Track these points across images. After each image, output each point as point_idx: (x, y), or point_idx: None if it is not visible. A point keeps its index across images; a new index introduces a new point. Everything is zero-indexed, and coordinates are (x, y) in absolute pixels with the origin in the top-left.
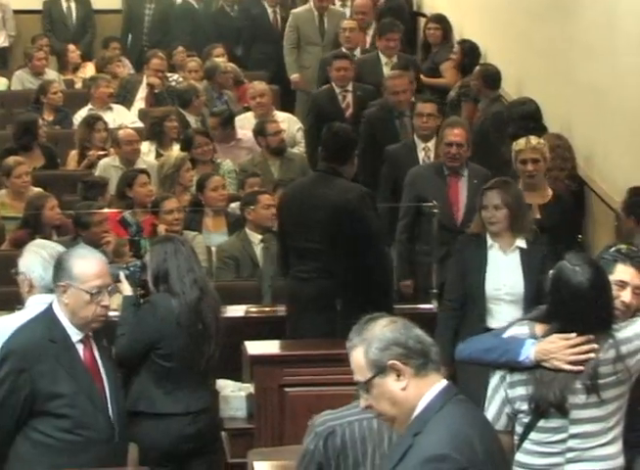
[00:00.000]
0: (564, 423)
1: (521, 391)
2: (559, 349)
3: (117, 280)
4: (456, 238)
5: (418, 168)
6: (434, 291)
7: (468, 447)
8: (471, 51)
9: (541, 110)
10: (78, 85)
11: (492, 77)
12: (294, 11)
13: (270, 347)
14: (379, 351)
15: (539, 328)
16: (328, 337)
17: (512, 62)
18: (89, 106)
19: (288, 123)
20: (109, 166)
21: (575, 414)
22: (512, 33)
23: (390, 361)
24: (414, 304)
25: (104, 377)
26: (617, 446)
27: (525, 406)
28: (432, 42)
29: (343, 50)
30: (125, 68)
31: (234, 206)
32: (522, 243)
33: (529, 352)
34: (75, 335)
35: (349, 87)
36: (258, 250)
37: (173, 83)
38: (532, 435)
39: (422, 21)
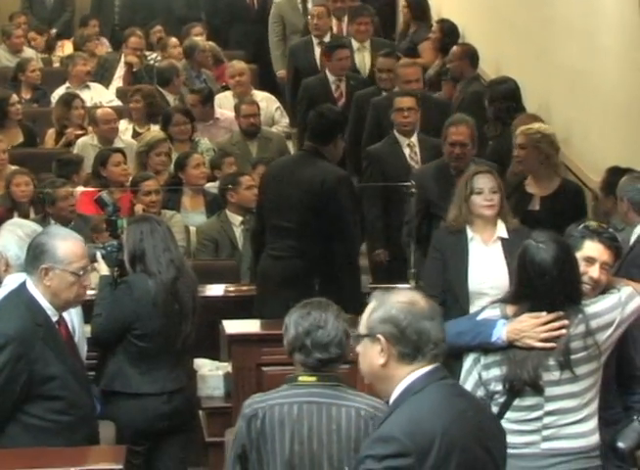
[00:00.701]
0: (539, 401)
1: (495, 372)
2: (530, 327)
3: (94, 260)
4: None
5: (422, 169)
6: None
7: (422, 435)
8: (450, 31)
9: (520, 89)
10: (56, 64)
11: (474, 56)
12: (276, 0)
13: (248, 326)
14: (378, 319)
15: (510, 309)
16: None
17: (490, 42)
18: (66, 84)
19: (266, 103)
20: (87, 145)
21: (550, 391)
22: (490, 13)
23: (379, 335)
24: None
25: (80, 355)
26: (592, 424)
27: (499, 387)
28: (404, 21)
29: (314, 39)
30: (103, 46)
31: (211, 185)
32: (503, 232)
33: (501, 332)
34: (54, 316)
35: (342, 76)
36: (239, 232)
37: (151, 62)
38: (508, 414)
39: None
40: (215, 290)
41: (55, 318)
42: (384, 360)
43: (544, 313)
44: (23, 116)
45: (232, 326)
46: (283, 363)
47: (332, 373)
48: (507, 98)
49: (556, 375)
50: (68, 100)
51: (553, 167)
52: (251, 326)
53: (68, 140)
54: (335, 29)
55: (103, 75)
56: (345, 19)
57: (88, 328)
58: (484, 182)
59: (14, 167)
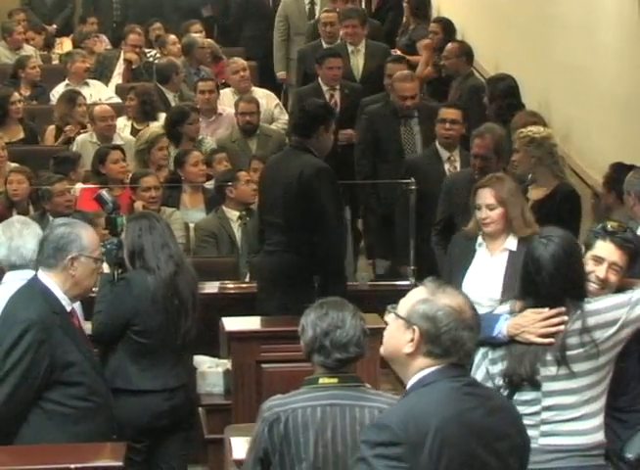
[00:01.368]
0: (537, 395)
1: (499, 366)
2: (530, 322)
3: None
4: None
5: (455, 175)
6: None
7: (416, 427)
8: (447, 28)
9: (519, 87)
10: (55, 61)
11: (470, 53)
12: (284, 0)
13: (248, 323)
14: (420, 312)
15: (517, 305)
16: (294, 313)
17: (489, 39)
18: (66, 81)
19: (266, 100)
20: (86, 143)
21: (547, 386)
22: (490, 11)
23: (416, 327)
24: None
25: (91, 345)
26: (593, 423)
27: (502, 381)
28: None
29: (324, 44)
30: (102, 43)
31: (211, 183)
32: (511, 245)
33: (502, 327)
34: (68, 306)
35: (337, 85)
36: (236, 227)
37: (151, 59)
38: None
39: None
40: (215, 287)
41: (69, 308)
42: (411, 350)
43: (546, 309)
44: (23, 113)
45: (232, 323)
46: (282, 360)
47: (352, 373)
48: (507, 95)
49: (552, 371)
50: (72, 97)
51: (549, 170)
52: (250, 323)
53: (67, 137)
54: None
55: (102, 73)
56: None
57: (89, 325)
58: (481, 198)
59: (13, 165)
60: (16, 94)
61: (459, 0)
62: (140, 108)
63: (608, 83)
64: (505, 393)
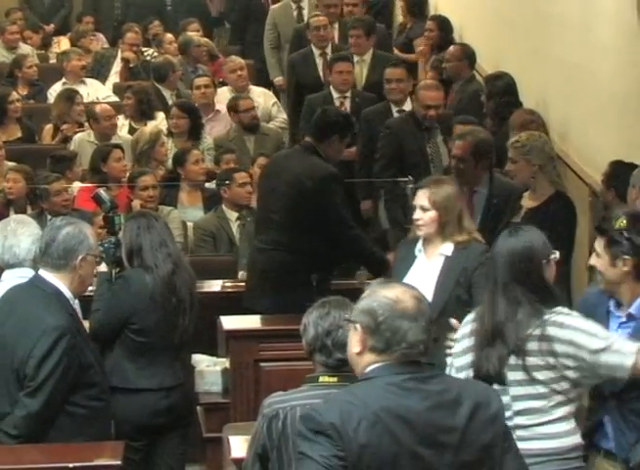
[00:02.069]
0: (506, 400)
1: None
2: None
3: None
4: None
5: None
6: None
7: (341, 418)
8: (443, 26)
9: (516, 85)
10: (53, 60)
11: (472, 56)
12: (272, 7)
13: (246, 322)
14: (360, 309)
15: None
16: (283, 310)
17: (487, 37)
18: (63, 80)
19: (263, 98)
20: (83, 141)
21: (515, 391)
22: (487, 9)
23: (357, 324)
24: None
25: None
26: (568, 425)
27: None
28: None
29: (314, 50)
30: (99, 42)
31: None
32: (447, 250)
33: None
34: (75, 305)
35: (348, 93)
36: (235, 227)
37: (148, 58)
38: None
39: None
40: (213, 286)
41: (76, 308)
42: (359, 349)
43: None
44: (20, 112)
45: (230, 322)
46: (281, 359)
47: (352, 373)
48: (505, 93)
49: (518, 375)
50: (70, 96)
51: (547, 177)
52: (248, 322)
53: (64, 136)
54: (337, 39)
55: (99, 71)
56: (337, 26)
57: (86, 324)
58: (418, 199)
59: (11, 164)
60: (14, 93)
61: None
62: (137, 107)
63: (606, 81)
64: None
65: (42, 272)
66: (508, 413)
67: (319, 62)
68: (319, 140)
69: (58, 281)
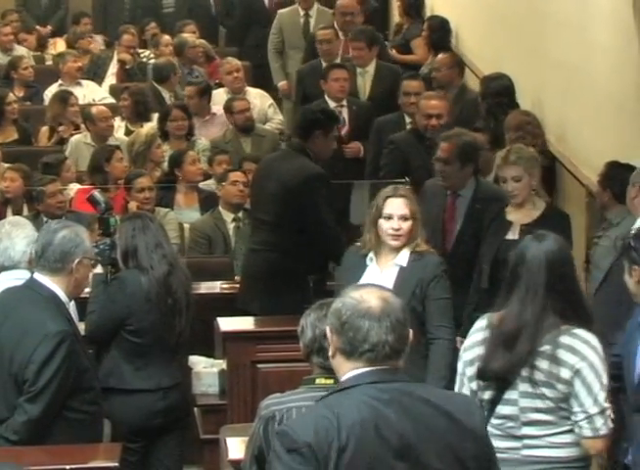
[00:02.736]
0: (513, 410)
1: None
2: None
3: None
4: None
5: (432, 182)
6: None
7: (317, 435)
8: (440, 26)
9: (514, 86)
10: (49, 62)
11: (462, 65)
12: (280, 11)
13: (243, 323)
14: (330, 311)
15: (498, 315)
16: (274, 312)
17: (483, 38)
18: (59, 82)
19: (259, 100)
20: (80, 143)
21: (524, 403)
22: (484, 9)
23: (328, 326)
24: None
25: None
26: (575, 436)
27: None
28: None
29: (323, 63)
30: (96, 43)
31: (208, 182)
32: (402, 260)
33: None
34: (70, 309)
35: (344, 102)
36: (231, 228)
37: (144, 59)
38: (492, 420)
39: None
40: (210, 287)
41: (72, 310)
42: (331, 352)
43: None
44: (17, 113)
45: (227, 323)
46: (278, 360)
47: None
48: (500, 94)
49: (526, 387)
50: (64, 97)
51: (536, 191)
52: (245, 323)
53: (60, 137)
54: (341, 50)
55: (96, 73)
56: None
57: (82, 326)
58: (394, 208)
59: (7, 165)
60: (11, 95)
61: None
62: (134, 108)
63: (602, 81)
64: (485, 395)
65: (37, 276)
66: (516, 423)
67: None
68: (304, 139)
69: (53, 284)
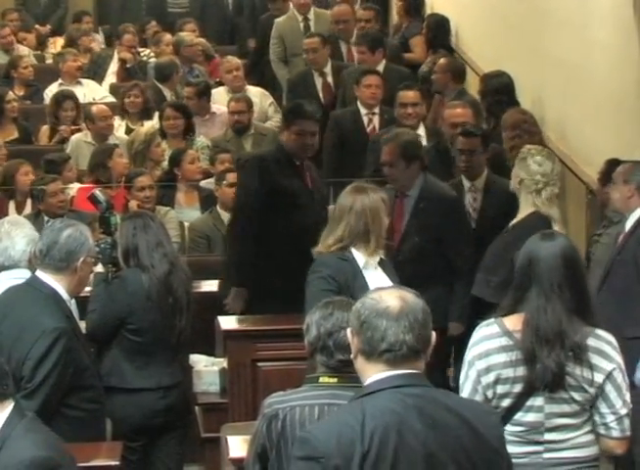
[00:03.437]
0: (538, 416)
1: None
2: None
3: None
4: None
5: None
6: None
7: (338, 442)
8: (439, 25)
9: (514, 84)
10: (49, 61)
11: (458, 71)
12: (277, 20)
13: (243, 322)
14: (352, 312)
15: (509, 321)
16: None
17: (483, 36)
18: (59, 81)
19: (260, 98)
20: (80, 142)
21: (549, 408)
22: (484, 7)
23: (349, 328)
24: None
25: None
26: (593, 435)
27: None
28: (398, 16)
29: (313, 72)
30: (97, 42)
31: (210, 181)
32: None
33: None
34: (71, 307)
35: (376, 109)
36: None
37: (145, 58)
38: (509, 427)
39: None
40: (211, 286)
41: (73, 309)
42: (353, 354)
43: None
44: (17, 112)
45: (227, 322)
46: (278, 359)
47: (353, 374)
48: (499, 92)
49: (554, 392)
50: (60, 100)
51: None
52: (246, 322)
53: (61, 137)
54: (345, 55)
55: (96, 72)
56: (352, 40)
57: (83, 324)
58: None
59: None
60: (11, 93)
61: None
62: (143, 106)
63: (602, 79)
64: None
65: (40, 274)
66: (539, 430)
67: (318, 82)
68: (281, 130)
69: (55, 283)
